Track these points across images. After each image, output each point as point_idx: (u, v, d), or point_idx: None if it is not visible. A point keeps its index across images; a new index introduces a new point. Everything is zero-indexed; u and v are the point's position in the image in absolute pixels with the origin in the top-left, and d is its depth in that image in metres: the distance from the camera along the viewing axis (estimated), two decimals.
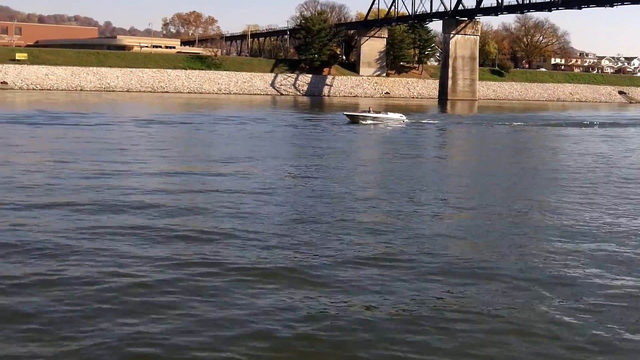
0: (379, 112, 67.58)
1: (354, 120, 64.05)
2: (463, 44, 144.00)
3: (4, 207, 21.57)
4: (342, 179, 30.62)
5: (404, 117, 66.85)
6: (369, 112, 66.12)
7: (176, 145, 44.92)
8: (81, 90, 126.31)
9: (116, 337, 11.86)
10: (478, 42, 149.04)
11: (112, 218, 20.58)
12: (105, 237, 18.25)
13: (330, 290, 14.78)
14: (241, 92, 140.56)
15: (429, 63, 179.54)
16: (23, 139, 44.61)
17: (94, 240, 17.89)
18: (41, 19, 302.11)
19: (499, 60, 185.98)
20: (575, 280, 15.87)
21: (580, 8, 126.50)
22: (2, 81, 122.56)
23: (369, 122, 63.26)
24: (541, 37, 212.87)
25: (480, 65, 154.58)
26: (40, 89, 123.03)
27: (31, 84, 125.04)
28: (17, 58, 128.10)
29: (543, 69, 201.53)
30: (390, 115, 66.88)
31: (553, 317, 13.45)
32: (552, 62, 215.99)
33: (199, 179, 29.04)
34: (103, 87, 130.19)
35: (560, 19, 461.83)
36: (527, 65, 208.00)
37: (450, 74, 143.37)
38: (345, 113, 67.84)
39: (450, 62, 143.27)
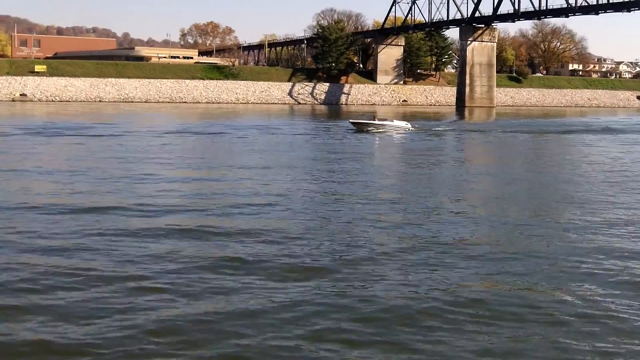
0: (385, 120, 67.72)
1: (359, 128, 63.85)
2: (480, 51, 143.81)
3: (39, 212, 22.46)
4: (360, 183, 30.80)
5: (408, 125, 66.66)
6: (373, 119, 65.90)
7: (196, 153, 45.73)
8: (100, 101, 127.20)
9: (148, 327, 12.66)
10: (495, 48, 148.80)
11: (141, 220, 21.67)
12: (134, 236, 19.36)
13: (353, 283, 15.48)
14: (259, 102, 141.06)
15: (446, 70, 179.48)
16: (50, 149, 45.23)
17: (122, 240, 18.97)
18: (60, 31, 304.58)
19: (517, 67, 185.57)
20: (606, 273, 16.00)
21: (597, 13, 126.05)
22: (21, 93, 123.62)
23: (373, 129, 63.16)
24: (558, 43, 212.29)
25: (497, 71, 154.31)
26: (59, 101, 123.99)
27: (50, 95, 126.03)
28: (36, 70, 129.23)
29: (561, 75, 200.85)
30: (396, 123, 66.71)
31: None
32: (570, 67, 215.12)
33: (218, 184, 30.05)
34: (122, 98, 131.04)
35: (578, 24, 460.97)
36: (544, 72, 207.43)
37: (467, 81, 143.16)
38: (350, 121, 67.58)
39: (468, 69, 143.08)
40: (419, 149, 50.51)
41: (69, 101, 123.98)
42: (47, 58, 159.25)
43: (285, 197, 26.52)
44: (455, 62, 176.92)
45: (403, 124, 66.87)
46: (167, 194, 27.30)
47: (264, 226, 21.02)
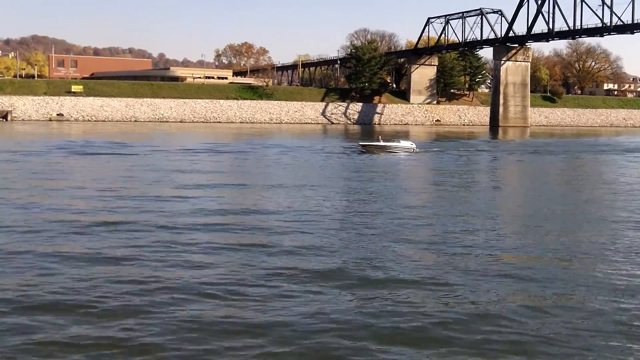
0: (391, 141, 68.22)
1: (367, 150, 64.10)
2: (514, 71, 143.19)
3: (88, 227, 23.89)
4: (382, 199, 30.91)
5: (414, 146, 66.70)
6: (378, 141, 66.33)
7: (230, 170, 47.24)
8: (135, 121, 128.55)
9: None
10: (529, 68, 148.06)
11: (183, 234, 23.10)
12: (178, 248, 20.85)
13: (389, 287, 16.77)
14: (292, 122, 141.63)
15: (479, 90, 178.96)
16: (94, 167, 46.21)
17: (167, 252, 20.38)
18: (96, 52, 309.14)
19: (551, 86, 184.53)
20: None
21: (632, 33, 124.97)
22: (58, 113, 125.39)
23: (379, 150, 63.36)
24: (593, 63, 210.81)
25: (531, 91, 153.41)
26: (95, 120, 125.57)
27: (87, 115, 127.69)
28: (73, 90, 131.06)
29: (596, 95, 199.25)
30: (403, 143, 66.99)
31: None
32: (605, 87, 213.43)
33: (250, 199, 31.65)
34: (157, 117, 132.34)
35: (613, 44, 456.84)
36: (579, 91, 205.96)
37: (501, 101, 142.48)
38: (360, 143, 67.94)
39: (501, 89, 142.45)
40: (437, 169, 50.45)
41: (104, 121, 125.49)
42: (83, 78, 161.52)
43: (314, 213, 27.12)
44: (489, 81, 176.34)
45: (408, 144, 67.06)
46: (200, 209, 28.46)
47: (297, 240, 22.07)
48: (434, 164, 55.69)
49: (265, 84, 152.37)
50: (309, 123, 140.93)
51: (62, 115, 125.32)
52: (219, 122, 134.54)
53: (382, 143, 65.07)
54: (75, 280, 17.10)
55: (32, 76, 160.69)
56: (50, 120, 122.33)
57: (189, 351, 12.83)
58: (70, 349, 12.72)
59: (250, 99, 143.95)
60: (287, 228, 24.35)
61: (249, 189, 36.34)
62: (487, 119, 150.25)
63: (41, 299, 15.57)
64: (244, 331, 13.82)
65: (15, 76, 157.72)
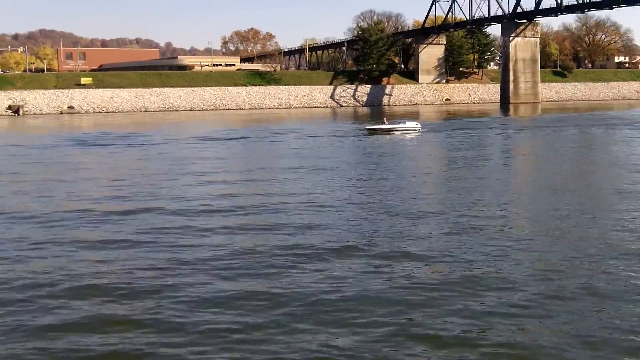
0: (396, 122, 67.94)
1: (374, 133, 63.70)
2: (523, 47, 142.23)
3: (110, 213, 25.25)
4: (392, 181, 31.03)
5: (419, 126, 66.46)
6: (383, 123, 65.97)
7: (241, 157, 48.38)
8: (145, 111, 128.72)
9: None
10: (538, 43, 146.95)
11: (199, 217, 24.31)
12: (195, 231, 21.98)
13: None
14: (301, 106, 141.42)
15: (489, 67, 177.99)
16: (109, 158, 46.54)
17: (184, 234, 21.58)
18: (104, 43, 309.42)
19: (561, 61, 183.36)
20: None
21: None
22: (69, 105, 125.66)
23: (384, 132, 63.13)
24: (603, 36, 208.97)
25: (541, 67, 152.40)
26: (105, 112, 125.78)
27: (97, 107, 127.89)
28: (82, 82, 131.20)
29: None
30: (408, 124, 66.85)
31: None
32: (616, 60, 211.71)
33: (262, 184, 32.92)
34: (166, 107, 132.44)
35: (623, 16, 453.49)
36: (590, 65, 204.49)
37: (511, 78, 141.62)
38: (366, 127, 67.44)
39: (511, 66, 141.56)
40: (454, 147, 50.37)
41: (115, 112, 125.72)
42: (92, 70, 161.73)
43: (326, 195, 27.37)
44: (498, 59, 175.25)
45: (413, 124, 66.83)
46: (214, 194, 29.41)
47: (310, 220, 23.18)
48: (444, 143, 55.65)
49: (273, 69, 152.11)
50: (318, 107, 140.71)
51: (72, 107, 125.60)
52: (228, 109, 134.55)
53: (387, 125, 64.92)
54: (98, 263, 18.19)
55: (42, 70, 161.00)
56: (61, 113, 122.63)
57: (210, 324, 13.64)
58: (97, 328, 13.66)
59: (259, 85, 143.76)
60: (299, 209, 25.32)
61: (260, 173, 36.95)
62: (497, 97, 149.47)
63: (67, 281, 16.64)
64: (263, 304, 14.70)
65: (25, 70, 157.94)
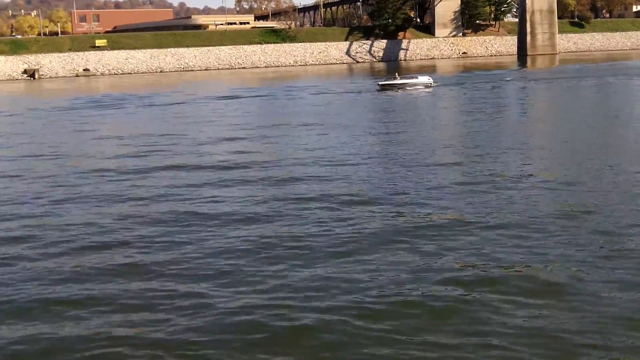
0: (412, 76, 67.39)
1: (386, 88, 62.73)
2: None
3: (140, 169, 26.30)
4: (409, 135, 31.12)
5: (431, 80, 65.31)
6: (395, 78, 64.87)
7: (258, 114, 49.04)
8: (161, 71, 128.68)
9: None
10: None
11: (218, 172, 25.11)
12: (220, 184, 22.88)
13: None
14: (317, 63, 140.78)
15: (505, 20, 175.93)
16: (132, 119, 46.84)
17: (210, 188, 22.43)
18: (117, 5, 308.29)
19: (578, 12, 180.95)
20: None
21: None
22: (84, 68, 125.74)
23: (398, 89, 62.14)
24: None
25: (558, 17, 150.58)
26: (121, 74, 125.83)
27: (112, 69, 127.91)
28: (97, 45, 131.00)
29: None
30: (420, 78, 65.80)
31: None
32: (634, 9, 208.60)
33: (277, 140, 33.55)
34: (182, 67, 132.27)
35: None
36: (607, 15, 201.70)
37: (528, 29, 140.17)
38: (379, 83, 66.10)
39: (528, 17, 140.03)
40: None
41: (130, 73, 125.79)
42: (106, 32, 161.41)
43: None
44: (515, 10, 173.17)
45: (425, 79, 65.77)
46: (232, 150, 30.02)
47: (327, 173, 23.73)
48: (461, 96, 55.41)
49: (287, 26, 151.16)
50: (334, 64, 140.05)
51: (88, 70, 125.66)
52: (244, 67, 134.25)
53: (399, 80, 64.14)
54: (124, 217, 18.96)
55: (56, 33, 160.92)
56: (77, 76, 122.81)
57: (235, 267, 14.39)
58: (125, 274, 14.42)
59: (274, 43, 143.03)
60: (316, 164, 25.91)
61: (276, 130, 37.23)
62: (514, 49, 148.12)
63: (95, 234, 17.44)
64: (284, 252, 15.31)
65: (39, 34, 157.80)
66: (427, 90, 61.49)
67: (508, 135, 31.25)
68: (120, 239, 16.93)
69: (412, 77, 67.16)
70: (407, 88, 62.61)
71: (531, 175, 21.73)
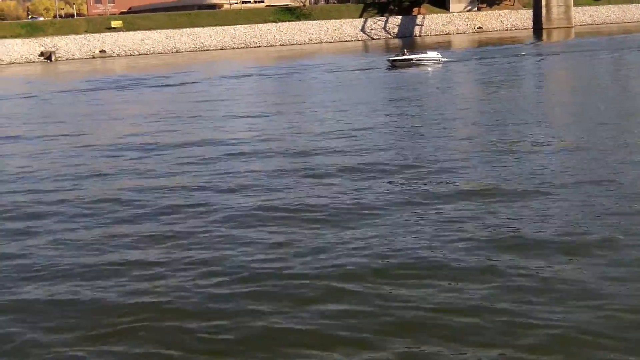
0: (421, 52, 66.66)
1: (396, 65, 61.74)
2: None
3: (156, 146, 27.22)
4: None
5: (439, 56, 63.88)
6: (404, 54, 63.40)
7: (274, 92, 49.67)
8: (176, 52, 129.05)
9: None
10: None
11: (239, 144, 26.37)
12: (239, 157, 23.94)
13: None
14: (332, 40, 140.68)
15: None
16: (150, 99, 47.43)
17: (231, 160, 23.61)
18: None
19: None
20: None
21: None
22: (100, 50, 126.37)
23: (407, 64, 61.09)
24: None
25: None
26: (137, 54, 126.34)
27: (128, 50, 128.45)
28: (112, 26, 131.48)
29: None
30: (429, 54, 64.42)
31: None
32: None
33: (295, 117, 34.12)
34: (197, 47, 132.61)
35: None
36: None
37: (543, 3, 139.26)
38: (389, 59, 64.82)
39: None
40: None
41: (146, 54, 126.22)
42: (122, 13, 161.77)
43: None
44: None
45: (434, 54, 64.44)
46: (250, 125, 31.02)
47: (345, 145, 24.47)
48: (475, 71, 55.54)
49: (302, 4, 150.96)
50: (349, 41, 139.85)
51: (104, 52, 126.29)
52: (259, 46, 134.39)
53: (407, 56, 62.83)
54: (153, 188, 20.06)
55: (72, 15, 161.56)
56: (93, 57, 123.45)
57: (257, 235, 15.08)
58: (160, 240, 15.43)
59: (289, 21, 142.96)
60: (330, 137, 26.66)
61: (292, 107, 37.76)
62: (530, 23, 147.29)
63: (121, 206, 18.54)
64: (307, 216, 16.17)
65: (55, 16, 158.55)
66: (437, 66, 61.17)
67: (524, 108, 31.55)
68: (149, 206, 18.18)
69: (422, 53, 66.65)
70: (418, 64, 62.10)
71: (550, 144, 22.16)
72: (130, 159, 24.68)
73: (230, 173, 21.14)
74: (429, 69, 59.62)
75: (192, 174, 21.45)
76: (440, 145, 23.10)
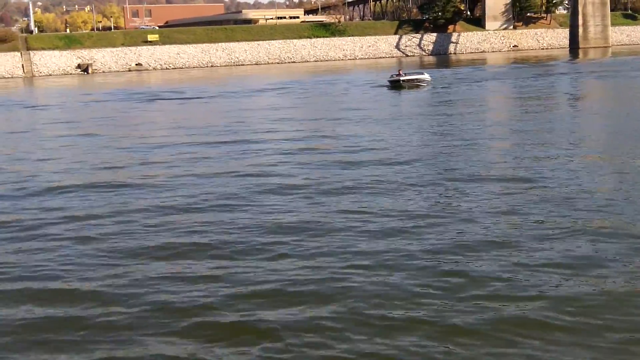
0: (418, 72, 65.27)
1: (395, 86, 59.57)
2: None
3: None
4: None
5: (429, 77, 61.74)
6: (398, 75, 60.84)
7: (305, 105, 51.38)
8: (212, 66, 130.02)
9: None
10: None
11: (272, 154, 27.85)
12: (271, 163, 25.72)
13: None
14: (366, 57, 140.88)
15: (557, 12, 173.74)
16: (189, 111, 48.27)
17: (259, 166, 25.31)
18: (169, 0, 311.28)
19: (631, 4, 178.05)
20: None
21: None
22: (137, 63, 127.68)
23: (404, 85, 58.90)
24: None
25: (611, 10, 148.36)
26: (173, 68, 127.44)
27: (164, 63, 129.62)
28: (149, 39, 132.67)
29: None
30: (427, 75, 62.53)
31: None
32: None
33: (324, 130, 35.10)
34: (232, 61, 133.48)
35: None
36: None
37: (580, 22, 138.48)
38: (388, 80, 62.03)
39: (580, 9, 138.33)
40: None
41: (182, 68, 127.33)
42: (158, 27, 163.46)
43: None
44: (567, 2, 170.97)
45: (426, 75, 62.44)
46: (282, 138, 31.62)
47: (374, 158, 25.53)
48: (510, 89, 55.24)
49: (337, 20, 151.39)
50: (383, 57, 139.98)
51: (140, 65, 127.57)
52: (294, 62, 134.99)
53: (402, 77, 59.96)
54: (186, 197, 21.11)
55: (109, 28, 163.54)
56: (129, 70, 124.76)
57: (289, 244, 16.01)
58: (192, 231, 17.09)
59: (323, 37, 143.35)
60: (364, 150, 27.67)
61: (322, 121, 38.73)
62: (566, 42, 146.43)
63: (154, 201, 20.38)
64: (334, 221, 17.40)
65: (92, 29, 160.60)
66: (427, 88, 59.00)
67: (557, 124, 31.40)
68: (189, 207, 19.76)
69: (417, 74, 64.18)
70: (416, 83, 59.87)
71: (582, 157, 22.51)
72: (167, 165, 24.81)
73: (273, 179, 22.76)
74: (427, 89, 57.72)
75: (234, 177, 22.21)
76: (476, 157, 23.05)
